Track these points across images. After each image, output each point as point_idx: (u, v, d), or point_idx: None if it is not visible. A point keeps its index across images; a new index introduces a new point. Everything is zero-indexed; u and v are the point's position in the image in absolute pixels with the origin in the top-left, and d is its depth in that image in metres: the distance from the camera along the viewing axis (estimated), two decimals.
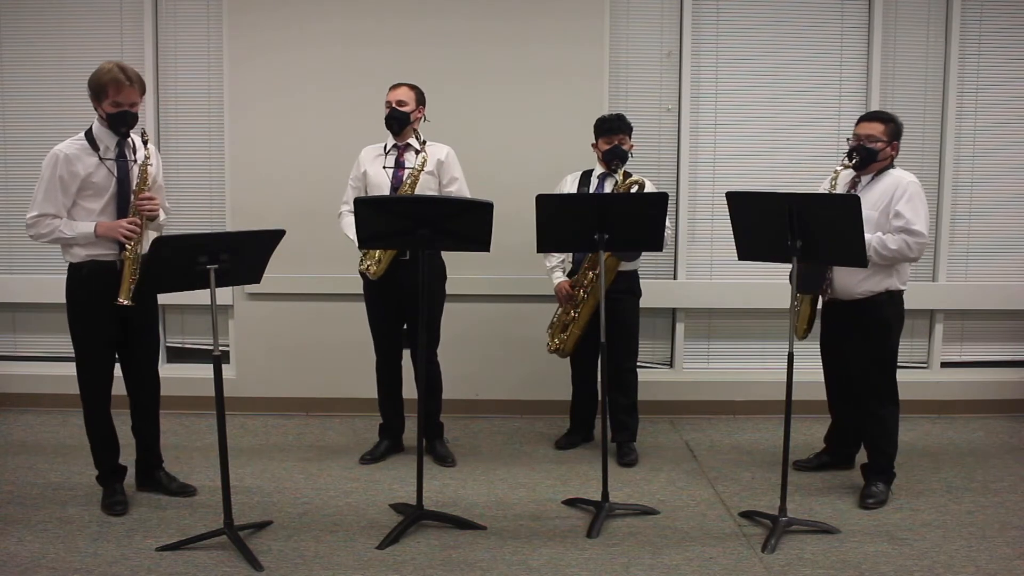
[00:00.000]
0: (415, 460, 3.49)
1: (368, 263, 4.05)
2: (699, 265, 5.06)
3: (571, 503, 3.71)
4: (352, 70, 4.79)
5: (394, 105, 4.07)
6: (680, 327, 5.08)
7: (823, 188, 3.81)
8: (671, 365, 5.14)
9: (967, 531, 3.47)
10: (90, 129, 3.50)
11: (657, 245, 3.66)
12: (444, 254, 4.16)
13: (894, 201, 3.61)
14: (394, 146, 4.14)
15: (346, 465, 4.17)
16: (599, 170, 4.25)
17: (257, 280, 3.45)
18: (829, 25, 4.96)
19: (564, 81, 4.80)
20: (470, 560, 3.20)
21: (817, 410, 4.34)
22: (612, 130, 4.15)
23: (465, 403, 4.88)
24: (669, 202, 3.67)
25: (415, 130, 4.13)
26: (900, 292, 3.74)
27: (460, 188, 4.14)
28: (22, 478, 3.94)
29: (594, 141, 4.23)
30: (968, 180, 5.04)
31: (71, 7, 4.89)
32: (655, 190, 4.18)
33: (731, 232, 3.54)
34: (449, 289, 4.25)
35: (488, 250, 3.45)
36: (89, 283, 3.47)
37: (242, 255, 3.26)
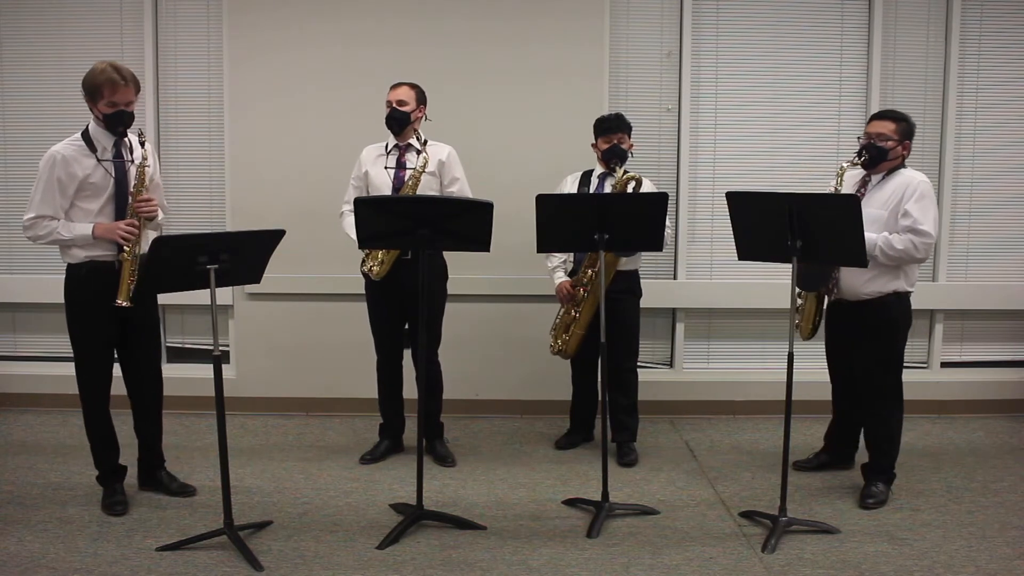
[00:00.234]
0: (415, 460, 3.49)
1: (371, 264, 4.05)
2: (699, 265, 5.06)
3: (571, 503, 3.71)
4: (352, 70, 4.79)
5: (395, 105, 4.07)
6: (680, 327, 5.08)
7: (829, 186, 3.77)
8: (671, 365, 5.13)
9: (967, 531, 3.47)
10: (86, 130, 3.50)
11: (657, 245, 3.66)
12: (445, 254, 4.16)
13: (904, 200, 3.58)
14: (395, 146, 4.13)
15: (346, 465, 4.17)
16: (599, 170, 4.25)
17: (257, 280, 3.45)
18: (829, 25, 4.96)
19: (564, 81, 4.80)
20: (470, 560, 3.20)
21: (817, 410, 4.35)
22: (611, 129, 4.15)
23: (465, 403, 4.88)
24: (669, 202, 3.67)
25: (416, 130, 4.13)
26: (908, 294, 3.71)
27: (461, 188, 4.14)
28: (22, 478, 3.94)
29: (594, 141, 4.24)
30: (968, 180, 5.04)
31: (71, 7, 4.89)
32: (652, 186, 4.20)
33: (731, 232, 3.53)
34: (449, 289, 4.25)
35: (488, 250, 3.45)
36: (87, 284, 3.47)
37: (242, 255, 3.26)
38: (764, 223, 3.43)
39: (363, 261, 4.11)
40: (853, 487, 3.85)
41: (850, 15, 4.96)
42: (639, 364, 4.44)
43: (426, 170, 4.02)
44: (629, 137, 4.19)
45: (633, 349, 4.33)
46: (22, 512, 3.56)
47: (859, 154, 3.69)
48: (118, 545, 3.27)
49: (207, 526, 3.36)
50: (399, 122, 4.07)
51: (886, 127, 3.67)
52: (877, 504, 3.68)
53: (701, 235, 5.03)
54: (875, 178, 3.72)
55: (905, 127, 3.69)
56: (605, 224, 3.46)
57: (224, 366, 3.78)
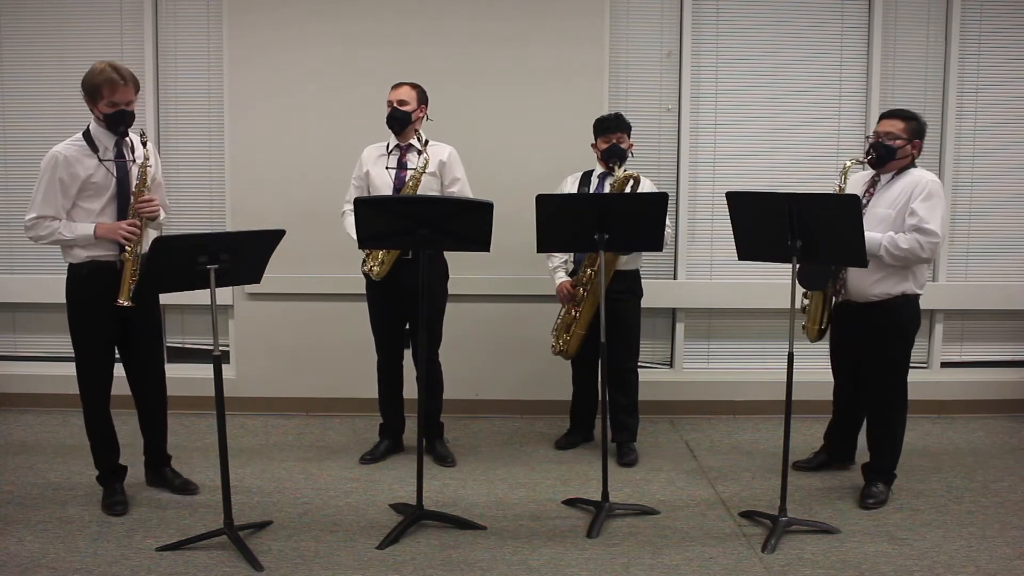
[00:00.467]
0: (415, 460, 3.49)
1: (371, 264, 4.05)
2: (699, 265, 5.06)
3: (571, 503, 3.71)
4: (352, 70, 4.79)
5: (395, 105, 4.07)
6: (680, 327, 5.08)
7: (835, 185, 3.74)
8: (671, 365, 5.14)
9: (967, 531, 3.47)
10: (87, 130, 3.50)
11: (657, 245, 3.66)
12: (446, 254, 4.16)
13: (912, 199, 3.55)
14: (396, 146, 4.13)
15: (346, 465, 4.17)
16: (599, 170, 4.25)
17: (257, 280, 3.45)
18: (829, 25, 4.96)
19: (564, 81, 4.80)
20: (470, 560, 3.20)
21: (817, 410, 4.34)
22: (610, 129, 4.15)
23: (465, 403, 4.88)
24: (669, 202, 3.67)
25: (417, 130, 4.13)
26: (916, 296, 3.68)
27: (462, 188, 4.14)
28: (22, 478, 3.94)
29: (594, 141, 4.24)
30: (968, 180, 5.04)
31: (71, 7, 4.89)
32: (651, 185, 4.20)
33: (731, 232, 3.53)
34: (450, 289, 4.25)
35: (488, 250, 3.45)
36: (89, 283, 3.47)
37: (242, 255, 3.26)
38: (764, 223, 3.43)
39: (363, 261, 4.11)
40: (853, 487, 3.85)
41: (850, 15, 4.96)
42: (639, 364, 4.44)
43: (427, 170, 4.02)
44: (629, 137, 4.19)
45: (633, 349, 4.33)
46: (22, 512, 3.56)
47: (867, 153, 3.67)
48: (118, 545, 3.27)
49: (207, 526, 3.36)
50: (400, 122, 4.07)
51: (895, 126, 3.65)
52: (877, 504, 3.68)
53: (701, 235, 5.03)
54: (884, 178, 3.69)
55: (915, 126, 3.66)
56: (605, 224, 3.46)
57: (224, 366, 3.79)
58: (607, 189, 4.15)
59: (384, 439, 4.31)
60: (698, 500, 3.79)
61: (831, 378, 4.04)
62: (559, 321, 4.29)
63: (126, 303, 3.43)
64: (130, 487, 3.72)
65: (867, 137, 3.75)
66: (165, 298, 3.92)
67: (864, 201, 3.68)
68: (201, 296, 3.27)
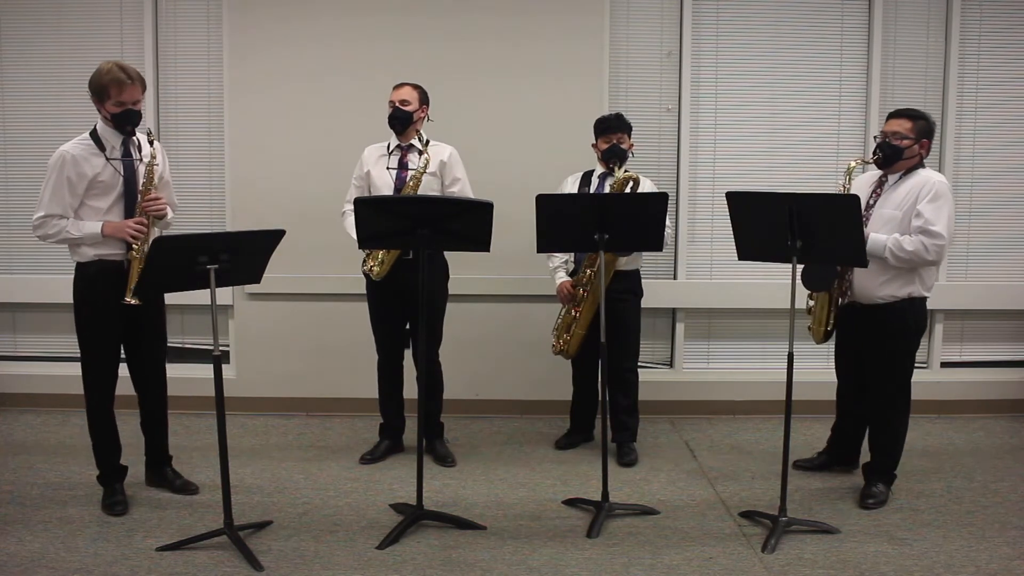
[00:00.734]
0: (415, 460, 3.49)
1: (371, 263, 4.05)
2: (699, 265, 5.06)
3: (571, 503, 3.71)
4: (352, 71, 4.79)
5: (397, 105, 4.07)
6: (680, 327, 5.08)
7: (837, 185, 3.72)
8: (671, 365, 5.14)
9: (967, 531, 3.47)
10: (94, 129, 3.51)
11: (657, 245, 3.65)
12: (446, 254, 4.16)
13: (918, 201, 3.52)
14: (397, 146, 4.14)
15: (346, 465, 4.17)
16: (600, 170, 4.25)
17: (257, 280, 3.45)
18: (829, 25, 4.96)
19: (564, 82, 4.80)
20: (470, 560, 3.20)
21: (817, 410, 4.35)
22: (610, 129, 4.15)
23: (465, 403, 4.88)
24: (669, 202, 3.67)
25: (418, 130, 4.14)
26: (923, 299, 3.66)
27: (463, 189, 4.14)
28: (22, 478, 3.94)
29: (594, 141, 4.24)
30: (968, 180, 5.04)
31: (71, 7, 4.89)
32: (652, 186, 4.20)
33: (731, 232, 3.53)
34: (450, 289, 4.25)
35: (488, 250, 3.45)
36: (96, 282, 3.49)
37: (242, 255, 3.26)
38: (764, 223, 3.42)
39: (363, 261, 4.11)
40: (853, 487, 3.85)
41: (850, 15, 4.96)
42: (639, 364, 4.44)
43: (428, 170, 4.02)
44: (629, 137, 4.19)
45: (633, 349, 4.33)
46: (22, 512, 3.56)
47: (874, 152, 3.65)
48: (118, 545, 3.27)
49: (207, 526, 3.36)
50: (402, 122, 4.07)
51: (902, 125, 3.61)
52: (877, 504, 3.68)
53: (701, 235, 5.03)
54: (892, 178, 3.67)
55: (923, 125, 3.62)
56: (605, 224, 3.46)
57: (224, 366, 3.79)
58: (607, 189, 4.15)
59: (384, 439, 4.31)
60: (698, 500, 3.79)
61: (831, 378, 4.04)
62: (559, 321, 4.29)
63: (133, 301, 3.43)
64: (130, 487, 3.72)
65: (874, 137, 3.73)
66: (165, 298, 3.92)
67: (871, 201, 3.67)
68: (201, 296, 3.27)
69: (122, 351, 3.66)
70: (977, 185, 5.05)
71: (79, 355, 3.60)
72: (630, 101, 4.88)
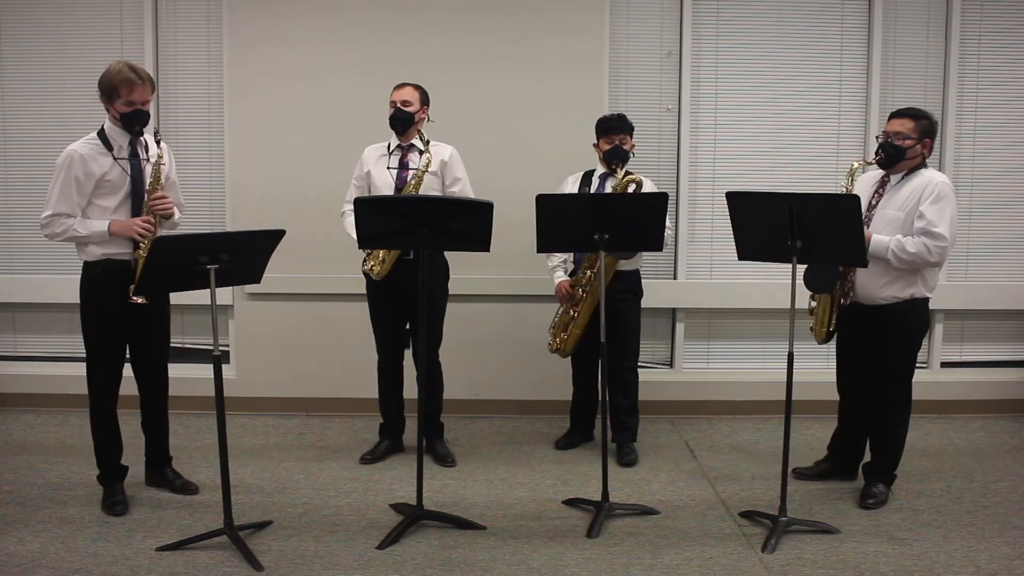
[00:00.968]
0: (415, 460, 3.49)
1: (372, 263, 4.05)
2: (699, 265, 5.06)
3: (571, 503, 3.71)
4: (352, 70, 4.79)
5: (399, 105, 4.08)
6: (680, 327, 5.08)
7: (839, 186, 3.71)
8: (671, 365, 5.14)
9: (967, 531, 3.47)
10: (102, 129, 3.53)
11: (657, 245, 3.65)
12: (447, 254, 4.16)
13: (921, 201, 3.51)
14: (398, 146, 4.14)
15: (346, 465, 4.17)
16: (601, 170, 4.25)
17: (257, 280, 3.45)
18: (829, 25, 4.96)
19: (564, 82, 4.80)
20: (470, 560, 3.20)
21: (817, 410, 4.35)
22: (613, 130, 4.14)
23: (465, 403, 4.88)
24: (669, 202, 3.67)
25: (420, 130, 4.14)
26: (926, 300, 3.65)
27: (463, 189, 4.14)
28: (22, 478, 3.94)
29: (595, 141, 4.23)
30: (968, 180, 5.04)
31: (71, 7, 4.89)
32: (653, 187, 4.19)
33: (731, 232, 3.53)
34: (450, 289, 4.25)
35: (488, 250, 3.45)
36: (103, 282, 3.49)
37: (242, 255, 3.26)
38: (764, 223, 3.42)
39: (364, 260, 4.11)
40: (853, 488, 3.85)
41: (850, 15, 4.96)
42: (639, 364, 4.44)
43: (429, 170, 4.02)
44: (631, 138, 4.19)
45: (633, 349, 4.33)
46: (22, 512, 3.56)
47: (876, 153, 3.63)
48: (118, 545, 3.27)
49: (207, 526, 3.36)
50: (403, 123, 4.07)
51: (905, 125, 3.60)
52: (877, 504, 3.68)
53: (701, 235, 5.03)
54: (894, 178, 3.66)
55: (926, 125, 3.60)
56: (605, 224, 3.46)
57: (224, 366, 3.79)
58: (609, 189, 4.15)
59: (384, 439, 4.31)
60: (698, 500, 3.79)
61: (831, 378, 4.02)
62: (556, 320, 4.29)
63: (140, 300, 3.44)
64: (130, 487, 3.72)
65: (876, 137, 3.72)
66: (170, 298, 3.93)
67: (873, 202, 3.67)
68: (201, 296, 3.27)
69: (126, 350, 3.67)
70: (977, 185, 5.05)
71: (82, 354, 3.60)
72: (630, 101, 4.88)
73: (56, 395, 4.86)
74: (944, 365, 5.15)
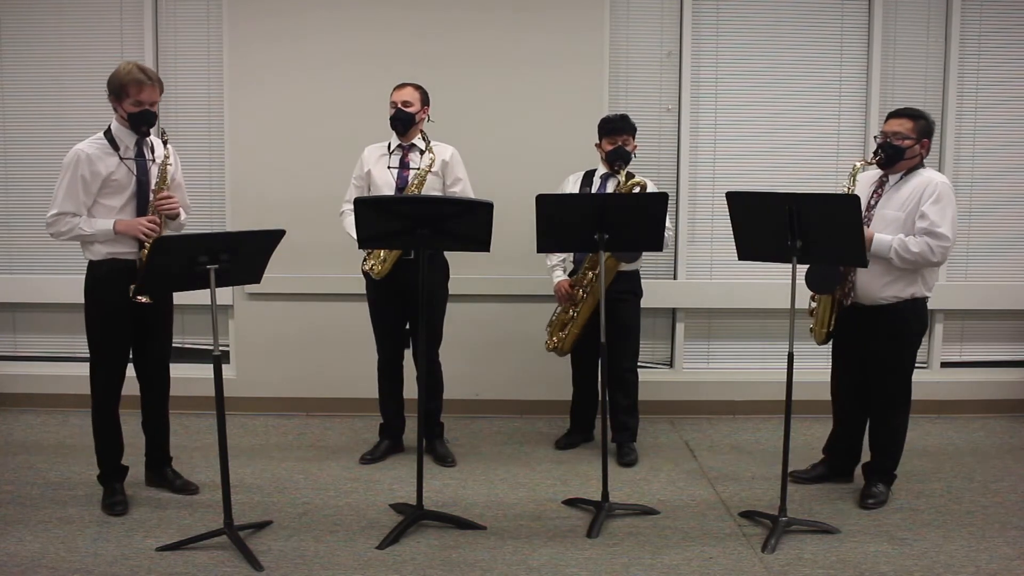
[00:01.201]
0: (415, 460, 3.49)
1: (372, 263, 4.05)
2: (699, 265, 5.06)
3: (571, 503, 3.71)
4: (352, 71, 4.79)
5: (399, 105, 4.08)
6: (680, 327, 5.08)
7: (841, 187, 3.70)
8: (671, 365, 5.14)
9: (967, 531, 3.47)
10: (109, 129, 3.54)
11: (657, 245, 3.65)
12: (447, 254, 4.17)
13: (922, 201, 3.51)
14: (398, 146, 4.14)
15: (346, 465, 4.17)
16: (602, 170, 4.25)
17: (257, 280, 3.45)
18: (829, 25, 4.96)
19: (564, 81, 4.80)
20: (470, 560, 3.20)
21: (817, 410, 4.34)
22: (616, 131, 4.14)
23: (465, 403, 4.88)
24: (669, 202, 3.67)
25: (421, 130, 4.14)
26: (925, 299, 3.66)
27: (464, 189, 4.14)
28: (22, 478, 3.94)
29: (598, 141, 4.23)
30: (968, 180, 5.04)
31: (71, 7, 4.89)
32: (652, 185, 4.19)
33: (731, 232, 3.53)
34: (450, 289, 4.25)
35: (488, 250, 3.45)
36: (108, 282, 3.50)
37: (242, 255, 3.26)
38: (764, 223, 3.42)
39: (364, 260, 4.11)
40: (853, 487, 3.85)
41: (850, 15, 4.96)
42: (639, 364, 4.44)
43: (431, 169, 4.02)
44: (633, 139, 4.19)
45: (633, 349, 4.33)
46: (22, 512, 3.56)
47: (875, 153, 3.64)
48: (118, 545, 3.27)
49: (207, 526, 3.36)
50: (404, 123, 4.07)
51: (903, 125, 3.60)
52: (877, 504, 3.68)
53: (701, 235, 5.03)
54: (893, 178, 3.66)
55: (924, 125, 3.61)
56: (605, 224, 3.45)
57: (224, 366, 3.79)
58: (610, 190, 4.15)
59: (384, 439, 4.31)
60: (698, 500, 3.79)
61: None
62: (554, 318, 4.29)
63: (144, 299, 3.44)
64: (130, 487, 3.72)
65: (875, 137, 3.72)
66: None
67: (872, 202, 3.67)
68: (201, 296, 3.27)
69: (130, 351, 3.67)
70: (977, 185, 5.05)
71: (83, 354, 3.62)
72: (630, 101, 4.88)
73: (56, 395, 4.85)
74: (944, 365, 5.15)
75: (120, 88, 3.45)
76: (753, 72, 4.97)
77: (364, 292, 4.20)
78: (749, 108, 4.99)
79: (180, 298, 3.71)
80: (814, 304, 3.80)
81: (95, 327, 3.55)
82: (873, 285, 3.62)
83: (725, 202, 3.50)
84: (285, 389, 4.98)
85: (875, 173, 3.74)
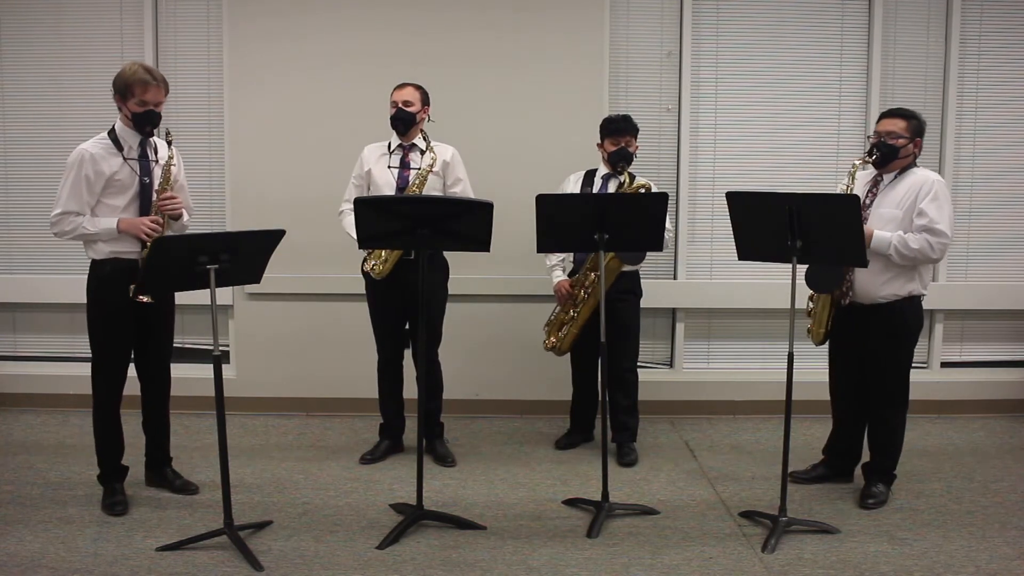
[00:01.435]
0: (415, 460, 3.49)
1: (373, 262, 4.05)
2: (699, 265, 5.06)
3: (571, 503, 3.71)
4: (352, 71, 4.79)
5: (400, 105, 4.08)
6: (680, 327, 5.08)
7: (840, 185, 3.71)
8: (671, 365, 5.14)
9: (967, 531, 3.47)
10: (113, 129, 3.54)
11: (657, 245, 3.65)
12: (447, 254, 4.16)
13: (919, 199, 3.54)
14: (399, 146, 4.14)
15: (346, 465, 4.17)
16: (603, 170, 4.25)
17: (257, 280, 3.45)
18: (829, 25, 4.96)
19: (565, 81, 4.80)
20: (470, 560, 3.20)
21: (817, 410, 4.34)
22: (619, 132, 4.13)
23: (465, 403, 4.88)
24: (669, 202, 3.67)
25: (422, 130, 4.14)
26: (921, 297, 3.68)
27: (464, 189, 4.14)
28: (22, 478, 3.94)
29: (599, 141, 4.23)
30: (968, 180, 5.04)
31: (71, 7, 4.89)
32: (654, 189, 4.19)
33: (731, 232, 3.53)
34: (450, 289, 4.25)
35: (488, 250, 3.45)
36: (110, 282, 3.50)
37: (242, 255, 3.26)
38: (764, 223, 3.42)
39: (364, 260, 4.11)
40: (853, 487, 3.85)
41: (850, 15, 4.96)
42: (639, 364, 4.44)
43: (432, 169, 4.02)
44: (635, 140, 4.19)
45: (633, 349, 4.33)
46: (22, 512, 3.56)
47: (870, 153, 3.65)
48: (118, 545, 3.27)
49: (207, 526, 3.36)
50: (404, 123, 4.07)
51: (897, 125, 3.63)
52: (877, 504, 3.68)
53: (701, 235, 5.03)
54: (887, 177, 3.68)
55: (916, 124, 3.65)
56: (605, 224, 3.45)
57: (224, 366, 3.79)
58: (611, 190, 4.15)
59: (384, 439, 4.31)
60: (698, 500, 3.79)
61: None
62: (552, 318, 4.29)
63: (147, 299, 3.44)
64: (130, 487, 3.72)
65: (868, 137, 3.73)
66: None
67: (867, 201, 3.67)
68: (201, 296, 3.27)
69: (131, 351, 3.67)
70: (977, 185, 5.05)
71: (83, 354, 3.62)
72: (630, 101, 4.88)
73: (56, 395, 4.85)
74: (944, 365, 5.15)
75: (125, 88, 3.46)
76: (753, 72, 4.97)
77: (364, 292, 4.20)
78: (749, 108, 4.99)
79: (180, 298, 3.71)
80: (811, 304, 3.81)
81: (97, 327, 3.55)
82: (872, 283, 3.63)
83: (725, 202, 3.50)
84: (285, 389, 4.98)
85: (868, 172, 3.76)
